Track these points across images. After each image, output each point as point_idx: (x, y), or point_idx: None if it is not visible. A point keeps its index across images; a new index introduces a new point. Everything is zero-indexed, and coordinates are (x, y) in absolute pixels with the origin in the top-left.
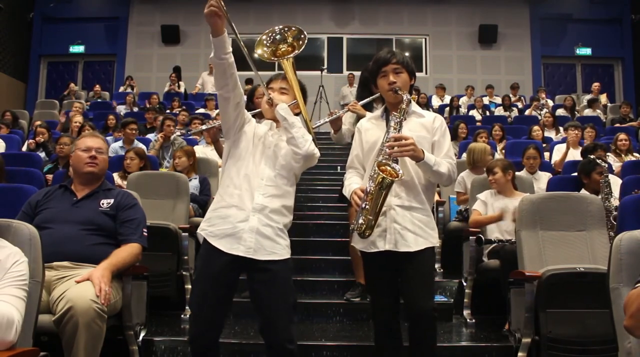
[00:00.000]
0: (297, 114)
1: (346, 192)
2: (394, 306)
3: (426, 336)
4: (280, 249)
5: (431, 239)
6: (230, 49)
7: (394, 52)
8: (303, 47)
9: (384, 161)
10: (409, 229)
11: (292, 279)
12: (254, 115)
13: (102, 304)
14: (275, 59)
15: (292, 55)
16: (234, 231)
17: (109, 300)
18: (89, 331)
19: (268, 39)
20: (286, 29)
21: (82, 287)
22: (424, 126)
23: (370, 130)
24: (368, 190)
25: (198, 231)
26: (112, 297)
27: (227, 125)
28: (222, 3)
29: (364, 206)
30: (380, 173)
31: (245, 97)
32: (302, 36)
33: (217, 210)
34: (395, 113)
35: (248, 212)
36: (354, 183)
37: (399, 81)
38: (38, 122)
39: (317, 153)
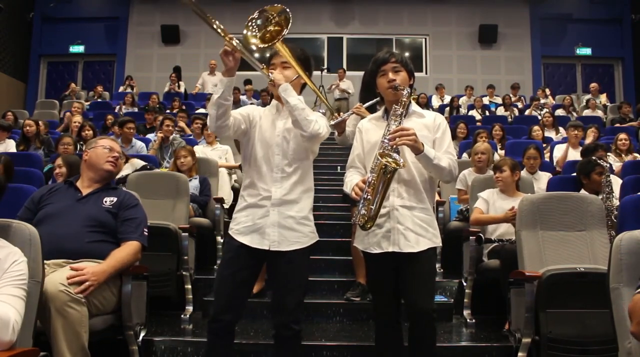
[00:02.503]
0: (304, 86)
1: (347, 188)
2: (396, 307)
3: (426, 336)
4: (302, 237)
5: (434, 238)
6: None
7: (392, 52)
8: (290, 23)
9: (385, 152)
10: (411, 228)
11: (309, 262)
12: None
13: (69, 285)
14: (269, 44)
15: (281, 36)
16: (257, 227)
17: (84, 289)
18: (65, 315)
19: (252, 27)
20: (263, 11)
21: (57, 273)
22: (425, 125)
23: (371, 131)
24: (370, 181)
25: (228, 231)
26: (96, 289)
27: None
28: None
29: (365, 196)
30: (382, 160)
31: (243, 124)
32: (286, 11)
33: (241, 210)
34: (396, 106)
35: (268, 208)
36: (355, 179)
37: (398, 79)
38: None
39: (322, 131)
